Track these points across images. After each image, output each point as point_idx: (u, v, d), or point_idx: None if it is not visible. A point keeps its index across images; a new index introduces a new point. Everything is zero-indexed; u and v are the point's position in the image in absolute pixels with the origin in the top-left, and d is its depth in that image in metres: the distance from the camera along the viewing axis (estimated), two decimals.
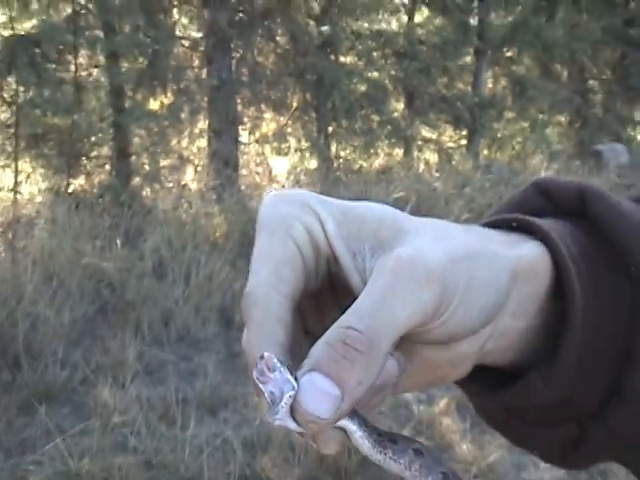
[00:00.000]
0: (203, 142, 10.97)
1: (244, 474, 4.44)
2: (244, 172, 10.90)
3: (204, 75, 10.73)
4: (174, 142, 10.59)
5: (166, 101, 10.39)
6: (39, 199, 8.61)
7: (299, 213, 0.58)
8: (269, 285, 0.56)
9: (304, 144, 11.79)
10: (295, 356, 0.56)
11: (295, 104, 11.93)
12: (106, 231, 7.23)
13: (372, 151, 12.00)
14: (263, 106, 11.86)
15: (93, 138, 9.53)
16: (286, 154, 11.71)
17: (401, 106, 13.00)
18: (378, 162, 11.92)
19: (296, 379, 0.53)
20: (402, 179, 9.98)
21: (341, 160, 11.73)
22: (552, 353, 0.60)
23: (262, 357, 0.53)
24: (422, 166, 11.82)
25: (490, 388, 0.64)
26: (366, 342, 0.51)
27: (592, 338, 0.60)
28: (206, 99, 10.56)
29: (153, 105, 10.34)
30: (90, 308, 6.16)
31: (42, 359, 5.39)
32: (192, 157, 10.68)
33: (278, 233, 0.58)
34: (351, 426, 0.57)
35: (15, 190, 8.54)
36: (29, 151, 9.15)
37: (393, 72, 12.46)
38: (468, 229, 0.60)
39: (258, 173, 11.09)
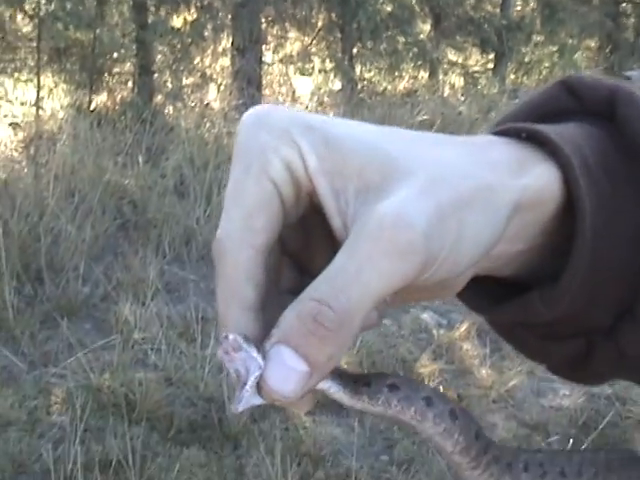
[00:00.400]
0: (226, 61, 10.85)
1: None
2: (267, 92, 10.80)
3: None
4: (197, 60, 10.48)
5: (189, 18, 10.25)
6: (61, 115, 8.56)
7: (278, 144, 0.53)
8: (240, 236, 0.53)
9: (328, 65, 11.64)
10: (271, 296, 0.54)
11: (320, 24, 11.75)
12: (128, 148, 7.20)
13: (397, 73, 11.83)
14: (287, 25, 11.69)
15: (115, 54, 9.43)
16: (310, 74, 11.57)
17: (427, 28, 12.78)
18: (403, 85, 11.77)
19: (263, 356, 0.50)
20: (427, 102, 9.88)
21: (365, 82, 11.58)
22: (559, 271, 0.55)
23: (227, 337, 0.50)
24: (447, 90, 11.67)
25: (493, 300, 0.61)
26: (337, 320, 0.48)
27: (606, 257, 0.55)
28: (230, 17, 10.40)
29: (176, 22, 10.21)
30: (112, 225, 6.17)
31: (64, 274, 5.42)
32: (215, 76, 10.57)
33: (254, 168, 0.53)
34: (323, 384, 0.54)
35: (37, 105, 8.50)
36: (51, 65, 9.07)
37: None
38: (473, 153, 0.54)
39: (282, 93, 10.98)
